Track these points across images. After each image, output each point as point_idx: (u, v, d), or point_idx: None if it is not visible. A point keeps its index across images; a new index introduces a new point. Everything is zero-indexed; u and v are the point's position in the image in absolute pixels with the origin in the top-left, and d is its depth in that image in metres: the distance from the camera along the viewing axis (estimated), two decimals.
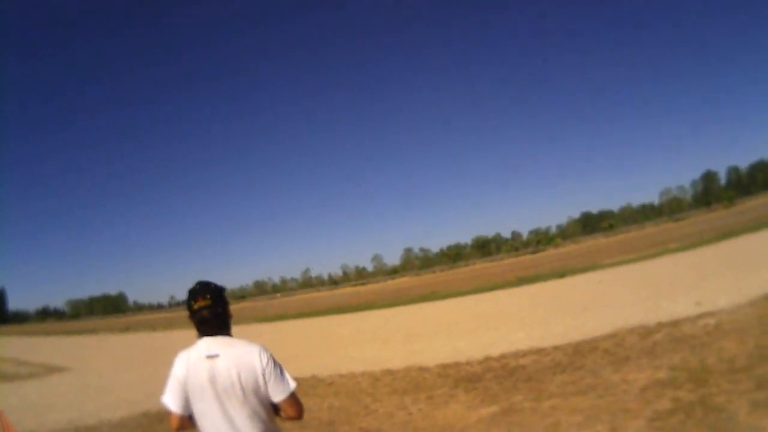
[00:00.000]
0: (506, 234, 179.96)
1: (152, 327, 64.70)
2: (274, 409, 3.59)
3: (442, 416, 8.29)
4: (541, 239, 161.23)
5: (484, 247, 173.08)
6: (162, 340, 40.09)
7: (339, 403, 10.44)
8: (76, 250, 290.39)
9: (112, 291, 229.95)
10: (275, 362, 3.55)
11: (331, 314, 42.12)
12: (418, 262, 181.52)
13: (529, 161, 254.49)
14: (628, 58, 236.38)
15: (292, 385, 3.57)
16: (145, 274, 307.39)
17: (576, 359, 10.58)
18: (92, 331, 71.97)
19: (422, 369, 12.49)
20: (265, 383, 3.48)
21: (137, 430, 10.48)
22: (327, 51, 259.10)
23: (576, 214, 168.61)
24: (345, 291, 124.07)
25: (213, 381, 3.46)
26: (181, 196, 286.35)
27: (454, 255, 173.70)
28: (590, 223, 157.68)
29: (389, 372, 12.72)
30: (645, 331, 11.88)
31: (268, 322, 44.07)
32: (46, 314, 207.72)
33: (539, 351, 12.12)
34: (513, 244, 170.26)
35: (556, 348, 12.04)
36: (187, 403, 3.56)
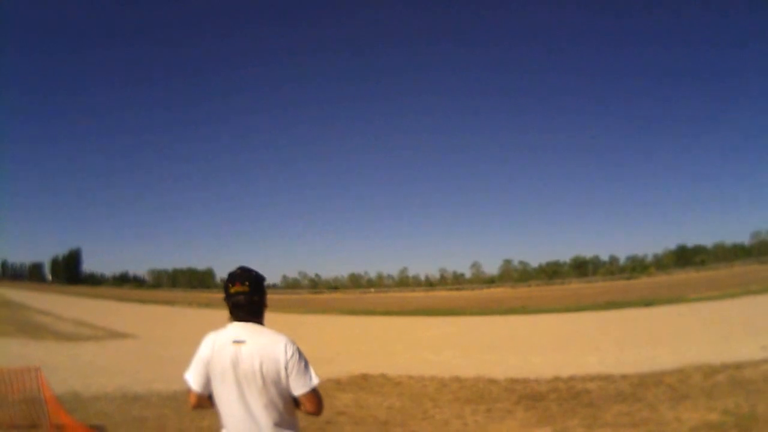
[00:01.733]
0: (604, 257, 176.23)
1: None
2: (295, 402, 3.53)
3: (494, 431, 8.19)
4: (636, 266, 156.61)
5: (581, 267, 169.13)
6: None
7: (400, 404, 10.38)
8: (168, 222, 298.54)
9: (200, 266, 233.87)
10: (300, 356, 3.49)
11: (418, 315, 42.25)
12: (515, 275, 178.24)
13: (634, 187, 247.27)
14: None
15: (315, 381, 3.51)
16: (237, 254, 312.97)
17: (639, 391, 10.21)
18: (170, 302, 72.35)
19: (490, 381, 12.32)
20: (287, 375, 3.43)
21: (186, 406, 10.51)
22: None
23: (672, 246, 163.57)
24: (439, 294, 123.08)
25: (235, 366, 3.45)
26: (284, 183, 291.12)
27: (551, 272, 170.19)
28: (684, 256, 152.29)
29: (458, 379, 12.60)
30: (710, 371, 11.39)
31: (356, 316, 44.51)
32: (124, 280, 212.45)
33: (607, 377, 11.78)
34: (609, 268, 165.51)
35: (624, 377, 11.66)
36: (207, 383, 3.55)
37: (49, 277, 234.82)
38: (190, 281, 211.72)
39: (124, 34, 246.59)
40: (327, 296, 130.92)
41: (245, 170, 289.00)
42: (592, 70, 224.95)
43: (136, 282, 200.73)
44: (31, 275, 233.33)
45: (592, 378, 11.85)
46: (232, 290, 3.59)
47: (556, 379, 12.07)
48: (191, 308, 54.37)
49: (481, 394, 10.96)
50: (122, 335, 23.81)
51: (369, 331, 28.98)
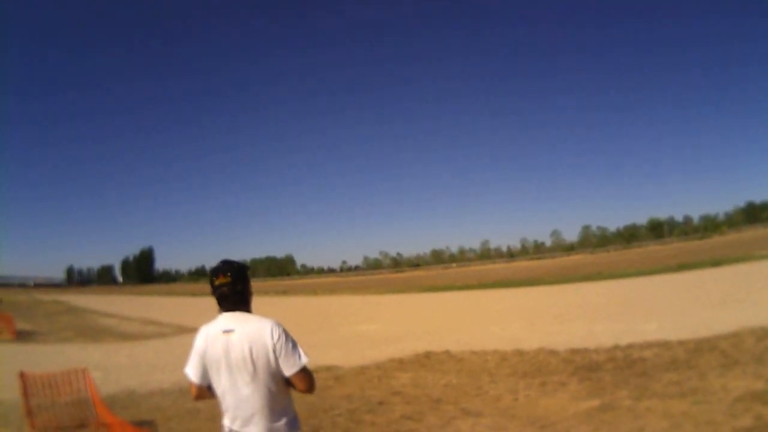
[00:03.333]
0: (679, 217, 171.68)
1: (314, 291, 64.06)
2: (288, 383, 3.65)
3: (543, 406, 7.96)
4: (708, 225, 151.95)
5: (657, 229, 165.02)
6: (315, 305, 40.11)
7: (457, 380, 10.28)
8: (244, 211, 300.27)
9: (279, 254, 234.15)
10: (287, 337, 3.59)
11: (495, 288, 41.64)
12: (595, 240, 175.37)
13: (707, 144, 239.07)
14: None
15: (304, 360, 3.62)
16: (316, 239, 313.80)
17: (693, 357, 9.84)
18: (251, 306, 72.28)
19: (551, 352, 12.11)
20: (276, 358, 3.54)
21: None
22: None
23: (741, 203, 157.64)
24: (520, 264, 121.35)
25: (227, 354, 3.56)
26: (361, 163, 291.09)
27: (628, 235, 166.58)
28: (753, 213, 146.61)
29: (519, 353, 12.41)
30: (763, 334, 10.89)
31: (433, 293, 44.16)
32: (200, 275, 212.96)
33: (664, 344, 11.42)
34: (683, 229, 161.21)
35: (681, 343, 11.28)
36: (205, 374, 3.68)
37: (120, 279, 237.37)
38: (269, 270, 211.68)
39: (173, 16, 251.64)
40: (408, 274, 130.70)
41: (322, 153, 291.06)
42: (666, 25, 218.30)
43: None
44: (101, 279, 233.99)
45: (649, 345, 11.52)
46: (216, 283, 3.70)
47: (615, 347, 11.76)
48: (268, 296, 52.85)
49: (539, 367, 10.78)
50: (190, 330, 22.76)
51: (442, 308, 28.68)
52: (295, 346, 3.62)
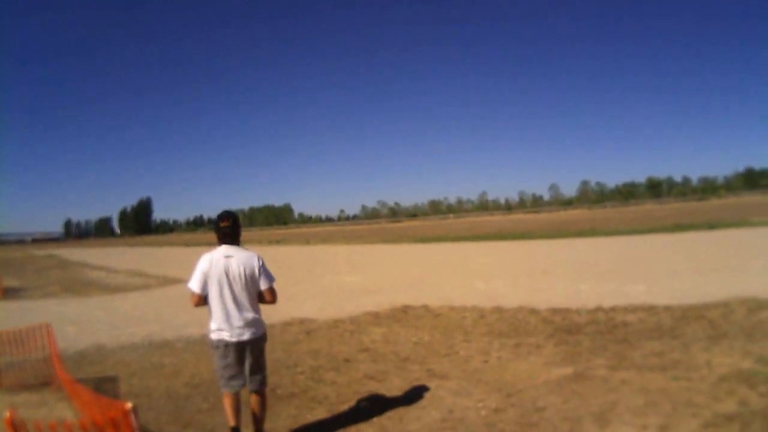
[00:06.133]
0: (677, 177, 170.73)
1: (307, 240, 64.14)
2: (260, 295, 5.42)
3: (513, 370, 7.23)
4: (707, 188, 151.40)
5: (655, 188, 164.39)
6: (305, 254, 39.33)
7: (429, 338, 9.59)
8: (242, 160, 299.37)
9: (278, 203, 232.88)
10: (264, 264, 5.43)
11: (488, 240, 40.92)
12: (593, 196, 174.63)
13: (711, 106, 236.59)
14: None
15: (273, 282, 5.46)
16: (314, 188, 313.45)
17: (678, 325, 8.97)
18: (241, 242, 70.35)
19: (531, 311, 11.32)
20: (258, 276, 5.35)
21: (204, 350, 9.67)
22: None
23: (741, 168, 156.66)
24: (517, 217, 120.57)
25: (227, 272, 5.23)
26: (357, 111, 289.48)
27: (626, 193, 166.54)
28: (752, 179, 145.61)
29: (498, 310, 11.63)
30: (755, 306, 9.98)
31: (424, 244, 43.38)
32: (198, 225, 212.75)
33: (650, 309, 10.57)
34: (682, 189, 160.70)
35: (667, 309, 10.40)
36: (205, 287, 5.26)
37: (118, 230, 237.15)
38: (267, 219, 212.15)
39: None
40: (405, 224, 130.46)
41: (322, 102, 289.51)
42: None
43: (209, 224, 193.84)
44: (98, 231, 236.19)
45: (634, 309, 10.68)
46: (222, 225, 5.39)
47: (598, 309, 10.97)
48: (261, 246, 52.37)
49: (515, 327, 10.01)
50: (175, 281, 22.80)
51: (430, 260, 27.91)
52: (268, 271, 5.45)
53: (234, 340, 5.21)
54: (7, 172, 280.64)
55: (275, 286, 5.46)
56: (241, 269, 5.22)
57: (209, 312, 5.31)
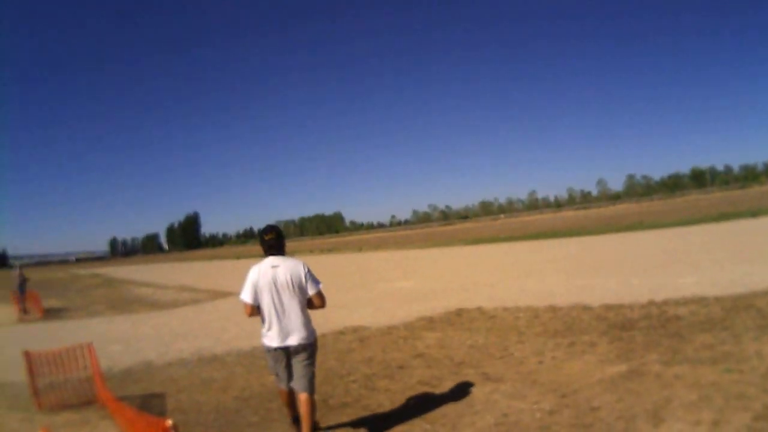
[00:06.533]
0: (720, 166, 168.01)
1: (359, 247, 63.61)
2: (308, 301, 5.77)
3: (567, 370, 7.34)
4: (748, 175, 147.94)
5: (699, 178, 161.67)
6: (356, 262, 39.31)
7: (484, 340, 9.69)
8: (292, 171, 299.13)
9: (328, 211, 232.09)
10: (310, 270, 5.76)
11: (539, 239, 40.71)
12: (639, 189, 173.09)
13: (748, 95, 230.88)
14: None
15: (320, 285, 5.80)
16: (365, 195, 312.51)
17: (729, 316, 9.00)
18: (290, 252, 66.70)
19: (585, 308, 11.39)
20: (305, 283, 5.67)
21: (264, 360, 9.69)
22: None
23: None
24: (567, 214, 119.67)
25: (275, 281, 5.60)
26: (407, 117, 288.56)
27: (671, 184, 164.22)
28: None
29: (552, 309, 11.71)
30: None
31: (476, 245, 43.38)
32: (247, 237, 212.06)
33: (700, 300, 10.59)
34: (724, 178, 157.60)
35: (718, 299, 10.42)
36: (256, 297, 5.65)
37: (166, 246, 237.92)
38: (318, 228, 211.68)
39: None
40: (456, 227, 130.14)
41: (366, 108, 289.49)
42: None
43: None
44: (145, 248, 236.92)
45: (685, 301, 10.71)
46: (266, 237, 5.83)
47: (650, 303, 11.00)
48: (313, 255, 52.38)
49: (570, 325, 10.09)
50: (225, 294, 22.76)
51: (482, 261, 27.87)
52: (314, 277, 5.78)
53: (282, 345, 5.59)
54: (51, 192, 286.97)
55: (323, 289, 5.80)
56: (288, 277, 5.58)
57: (261, 320, 5.71)
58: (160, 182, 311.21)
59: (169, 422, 4.00)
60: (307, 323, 5.72)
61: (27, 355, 8.46)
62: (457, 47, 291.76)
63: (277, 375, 5.84)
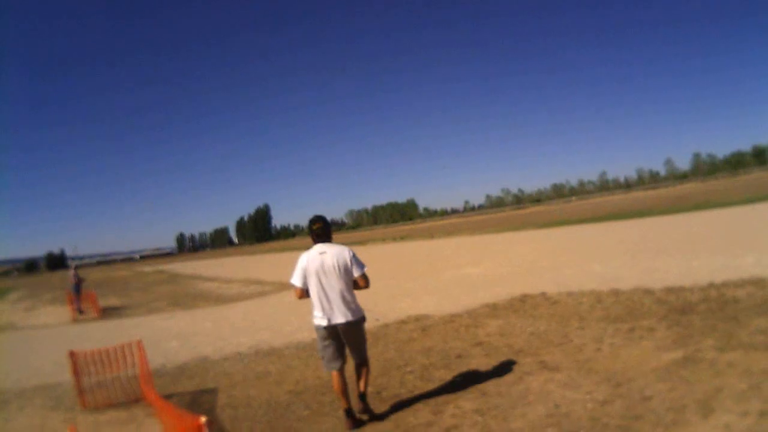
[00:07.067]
0: None
1: (431, 234, 63.21)
2: (354, 283, 6.30)
3: (625, 357, 7.47)
4: None
5: (761, 156, 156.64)
6: (427, 248, 39.10)
7: (545, 327, 9.83)
8: (364, 160, 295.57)
9: (401, 199, 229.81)
10: (355, 255, 6.30)
11: (608, 221, 40.32)
12: (705, 168, 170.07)
13: None
14: None
15: (365, 268, 6.32)
16: (438, 181, 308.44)
17: None
18: (362, 241, 66.76)
19: (646, 291, 11.45)
20: (351, 266, 6.21)
21: (313, 356, 9.84)
22: None
23: None
24: (636, 195, 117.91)
25: (323, 266, 6.15)
26: (476, 101, 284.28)
27: (735, 162, 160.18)
28: None
29: (615, 293, 11.78)
30: None
31: (547, 228, 43.08)
32: None
33: (759, 282, 10.55)
34: None
35: None
36: (305, 281, 6.26)
37: (236, 239, 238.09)
38: (391, 215, 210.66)
39: None
40: (529, 211, 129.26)
41: (437, 96, 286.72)
42: None
43: (335, 226, 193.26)
44: (214, 242, 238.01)
45: (744, 283, 10.69)
46: (314, 227, 6.36)
47: (711, 286, 11.01)
48: (384, 243, 52.38)
49: (630, 310, 10.17)
50: (292, 286, 22.47)
51: (551, 245, 27.66)
52: (359, 260, 6.32)
53: (331, 324, 6.16)
54: (117, 190, 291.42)
55: (367, 272, 6.37)
56: (335, 261, 6.16)
57: (312, 303, 6.29)
58: (229, 176, 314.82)
59: (203, 419, 4.14)
60: (353, 302, 6.29)
61: (72, 354, 8.59)
62: (529, 33, 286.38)
63: (323, 358, 6.39)
